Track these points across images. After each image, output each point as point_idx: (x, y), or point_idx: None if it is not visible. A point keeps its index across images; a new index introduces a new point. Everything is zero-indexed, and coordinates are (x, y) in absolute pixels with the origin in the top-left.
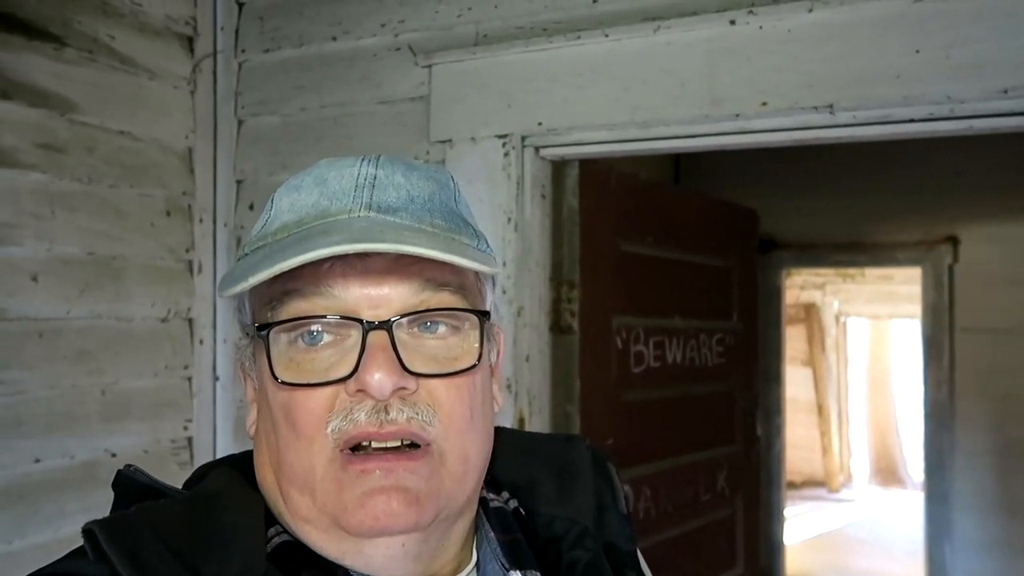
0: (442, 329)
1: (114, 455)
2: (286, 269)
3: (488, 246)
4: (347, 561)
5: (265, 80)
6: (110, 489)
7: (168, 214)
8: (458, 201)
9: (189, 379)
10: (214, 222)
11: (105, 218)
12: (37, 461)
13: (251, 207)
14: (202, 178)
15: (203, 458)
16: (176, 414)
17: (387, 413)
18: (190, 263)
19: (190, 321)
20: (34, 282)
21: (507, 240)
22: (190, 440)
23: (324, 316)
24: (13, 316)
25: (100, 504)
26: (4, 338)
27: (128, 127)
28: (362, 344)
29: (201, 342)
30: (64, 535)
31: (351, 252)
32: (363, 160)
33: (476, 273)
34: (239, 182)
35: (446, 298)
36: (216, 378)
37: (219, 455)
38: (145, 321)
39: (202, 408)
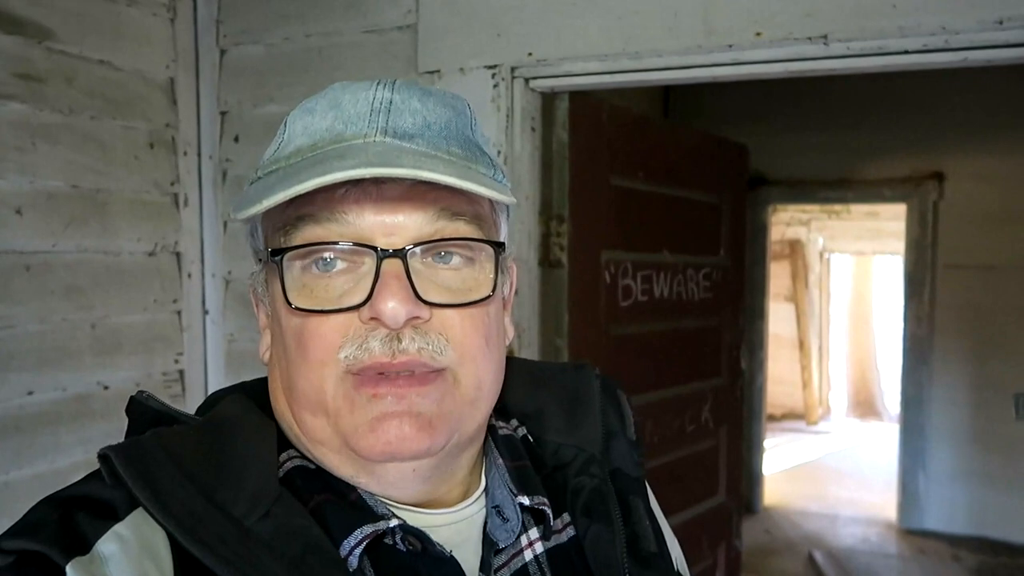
0: (456, 260)
1: (106, 388)
2: (301, 192)
3: (504, 176)
4: (361, 479)
5: (247, 8)
6: (103, 421)
7: (152, 147)
8: (474, 129)
9: (179, 313)
10: (199, 155)
11: (88, 151)
12: (30, 394)
13: (236, 139)
14: (185, 110)
15: (195, 391)
16: (167, 348)
17: (399, 342)
18: (176, 196)
19: (178, 255)
20: (18, 215)
21: None
22: (181, 373)
23: (337, 243)
24: None
25: (95, 436)
26: None
27: (108, 56)
28: (376, 272)
29: (189, 276)
30: (60, 466)
31: (367, 176)
32: (379, 83)
33: (491, 203)
34: (223, 114)
35: (461, 227)
36: (206, 312)
37: (211, 388)
38: (132, 256)
39: (192, 342)
